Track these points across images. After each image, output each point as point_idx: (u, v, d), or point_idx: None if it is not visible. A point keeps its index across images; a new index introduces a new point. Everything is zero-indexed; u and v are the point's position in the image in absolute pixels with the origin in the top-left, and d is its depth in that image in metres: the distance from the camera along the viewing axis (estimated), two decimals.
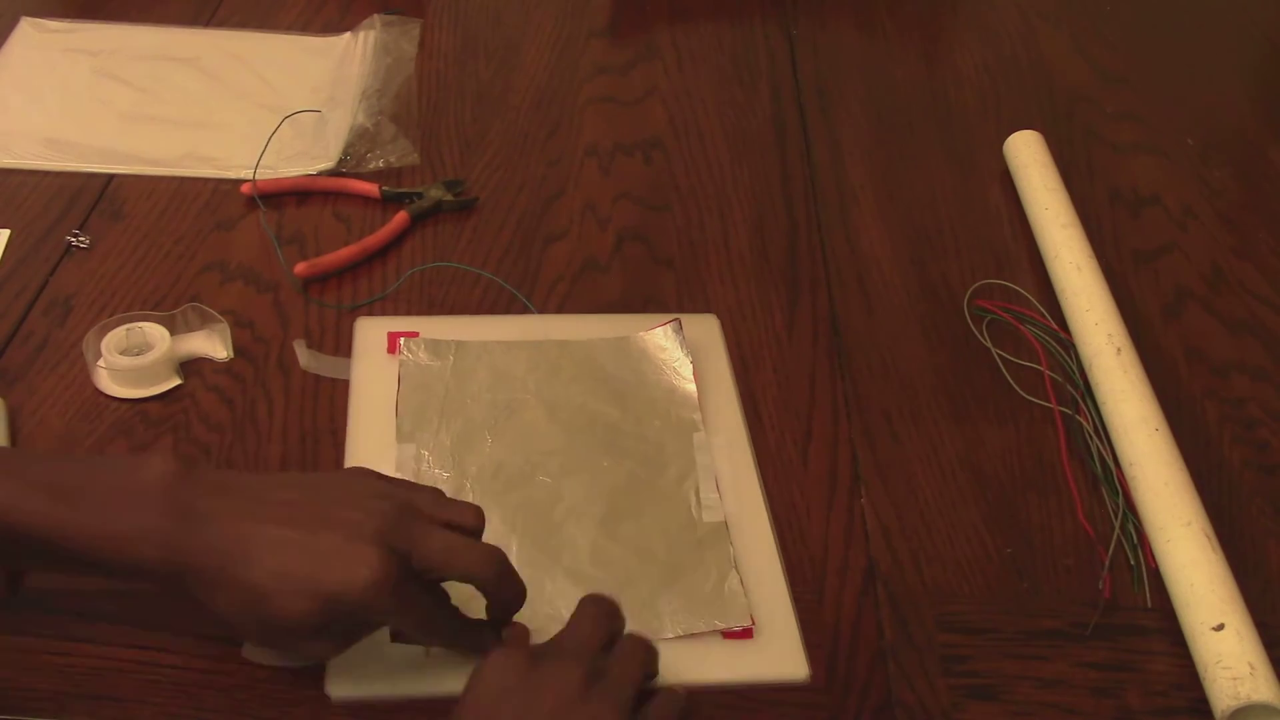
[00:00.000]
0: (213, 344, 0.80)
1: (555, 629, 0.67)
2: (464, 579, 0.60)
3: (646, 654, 0.60)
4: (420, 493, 0.61)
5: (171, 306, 0.83)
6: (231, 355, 0.80)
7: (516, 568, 0.67)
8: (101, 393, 0.77)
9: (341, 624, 0.57)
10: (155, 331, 0.79)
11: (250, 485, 0.58)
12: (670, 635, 0.67)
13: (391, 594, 0.56)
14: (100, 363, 0.78)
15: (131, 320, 0.80)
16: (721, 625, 0.68)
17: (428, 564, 0.58)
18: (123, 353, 0.78)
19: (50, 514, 0.54)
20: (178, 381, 0.78)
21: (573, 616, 0.61)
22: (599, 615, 0.61)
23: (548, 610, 0.67)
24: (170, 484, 0.56)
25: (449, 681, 0.64)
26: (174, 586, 0.56)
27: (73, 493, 0.55)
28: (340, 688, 0.63)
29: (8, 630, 0.65)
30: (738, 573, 0.70)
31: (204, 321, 0.81)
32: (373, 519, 0.56)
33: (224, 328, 0.80)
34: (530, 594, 0.67)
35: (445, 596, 0.62)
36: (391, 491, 0.60)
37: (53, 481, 0.55)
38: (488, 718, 0.54)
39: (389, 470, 0.73)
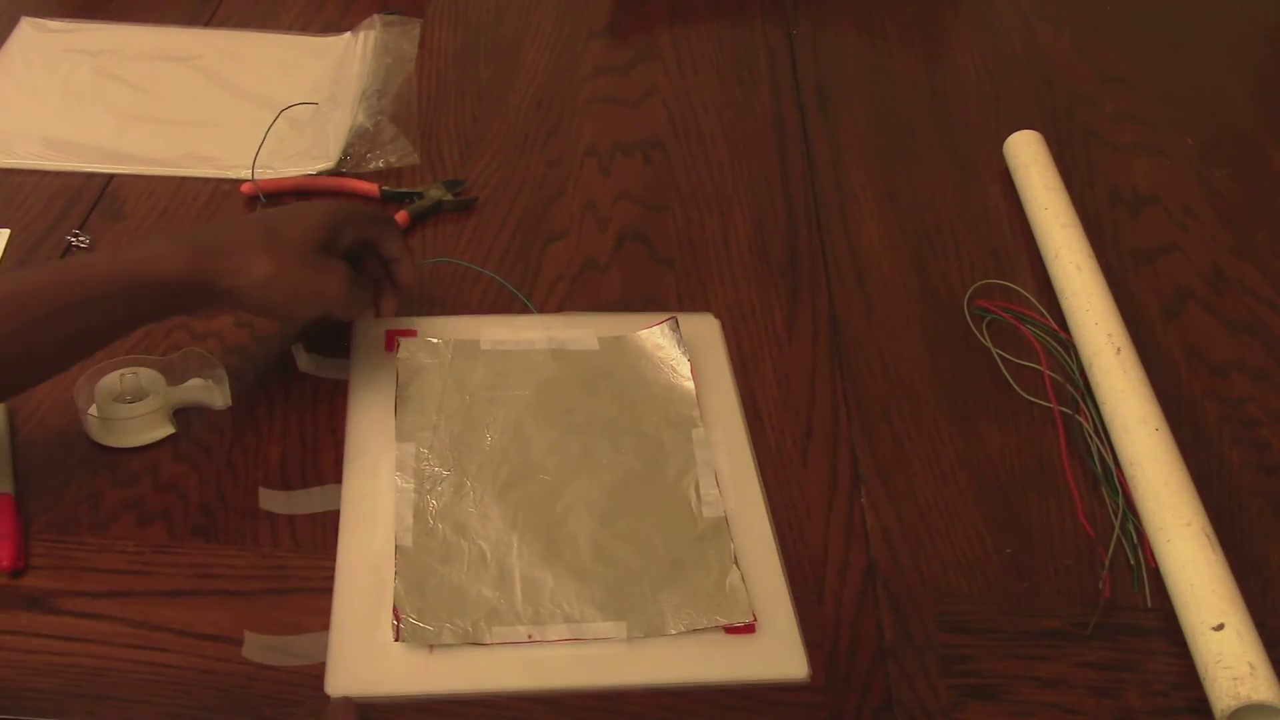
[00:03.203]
0: (210, 393, 0.77)
1: (558, 626, 0.67)
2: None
3: None
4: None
5: None
6: (230, 404, 0.77)
7: (518, 565, 0.70)
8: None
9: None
10: (151, 378, 0.76)
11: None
12: (674, 631, 0.67)
13: (348, 292, 0.75)
14: (92, 411, 0.75)
15: (127, 365, 0.76)
16: (724, 621, 0.68)
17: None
18: (115, 399, 0.75)
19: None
20: (171, 430, 0.75)
21: None
22: None
23: (550, 607, 0.68)
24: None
25: (446, 680, 0.65)
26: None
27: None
28: (338, 686, 0.63)
29: (8, 630, 0.65)
30: (738, 568, 0.70)
31: (202, 366, 0.78)
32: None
33: (222, 374, 0.77)
34: (532, 591, 0.68)
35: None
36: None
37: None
38: None
39: (390, 469, 0.74)
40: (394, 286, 0.81)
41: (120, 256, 0.70)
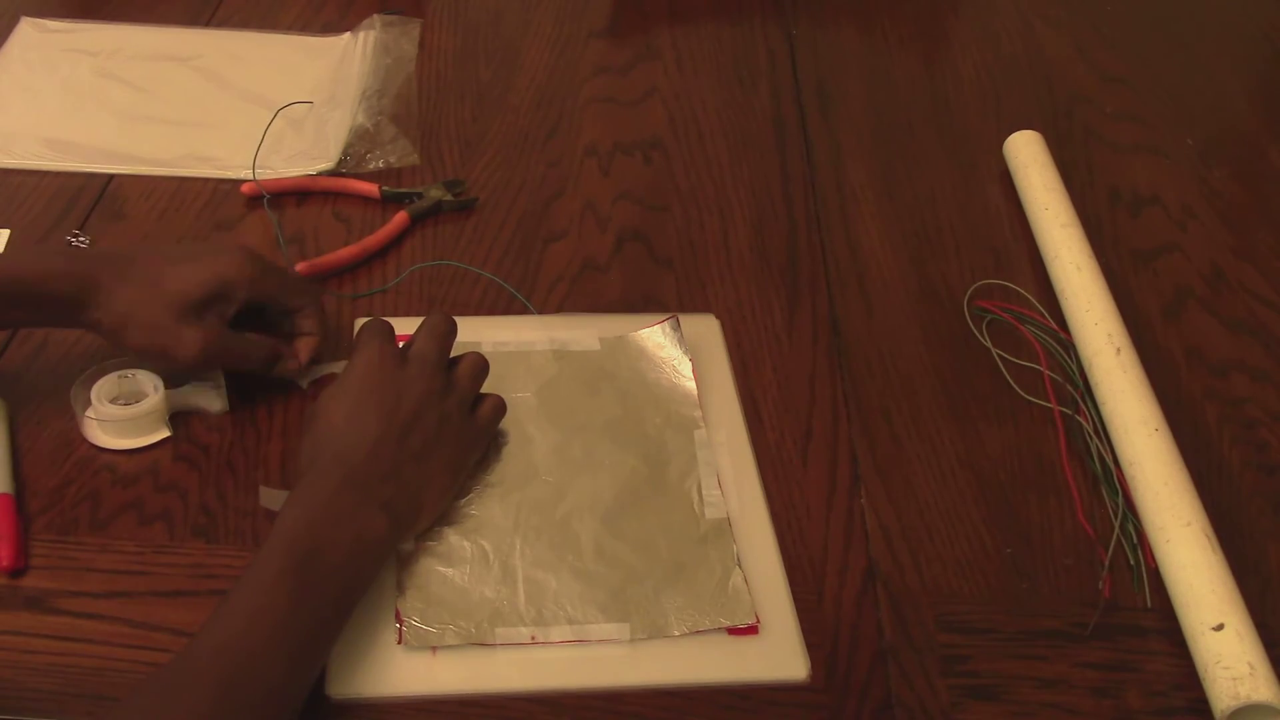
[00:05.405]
0: (207, 397, 0.77)
1: (561, 628, 0.67)
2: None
3: (484, 370, 0.74)
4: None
5: None
6: (227, 409, 0.77)
7: (521, 567, 0.70)
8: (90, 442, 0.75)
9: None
10: (148, 380, 0.76)
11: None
12: (677, 633, 0.67)
13: (202, 359, 0.73)
14: (89, 413, 0.75)
15: (125, 367, 0.76)
16: (727, 623, 0.68)
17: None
18: (113, 400, 0.75)
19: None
20: (166, 434, 0.75)
21: (423, 329, 0.72)
22: (447, 332, 0.73)
23: (553, 608, 0.68)
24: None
25: (449, 681, 0.65)
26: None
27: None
28: (340, 688, 0.64)
29: (8, 630, 0.65)
30: (741, 570, 0.70)
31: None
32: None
33: (220, 379, 0.77)
34: (535, 592, 0.68)
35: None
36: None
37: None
38: (361, 397, 0.68)
39: None
40: (310, 333, 0.78)
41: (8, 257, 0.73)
